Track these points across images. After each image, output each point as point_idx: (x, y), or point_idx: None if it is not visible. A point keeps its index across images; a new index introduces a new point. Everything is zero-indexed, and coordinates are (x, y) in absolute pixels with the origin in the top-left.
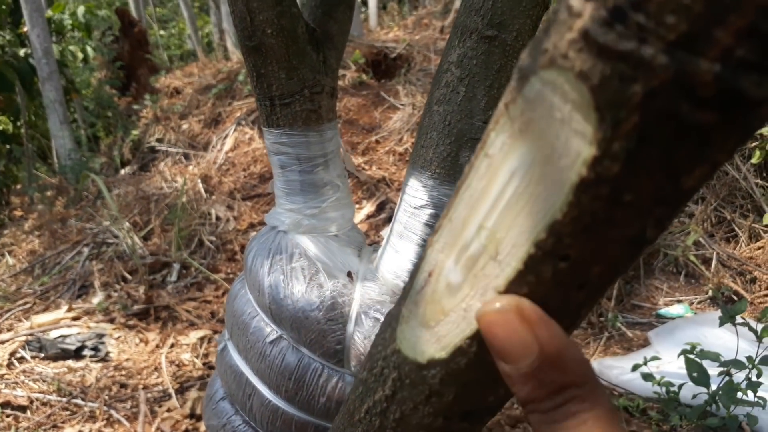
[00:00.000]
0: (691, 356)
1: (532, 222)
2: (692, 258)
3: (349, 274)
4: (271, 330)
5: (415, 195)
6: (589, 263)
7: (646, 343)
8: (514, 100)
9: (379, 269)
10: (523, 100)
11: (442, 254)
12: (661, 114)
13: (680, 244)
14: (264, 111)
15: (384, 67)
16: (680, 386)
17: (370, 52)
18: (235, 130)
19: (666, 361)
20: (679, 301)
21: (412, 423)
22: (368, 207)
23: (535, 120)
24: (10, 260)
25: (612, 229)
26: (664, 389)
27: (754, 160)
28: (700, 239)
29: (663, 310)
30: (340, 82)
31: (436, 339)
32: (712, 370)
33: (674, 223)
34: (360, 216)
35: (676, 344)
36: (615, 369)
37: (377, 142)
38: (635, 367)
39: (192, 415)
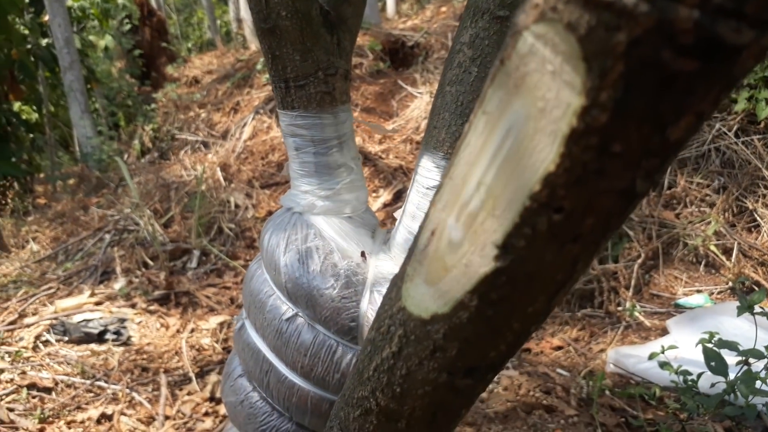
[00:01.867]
0: (709, 345)
1: (528, 175)
2: (713, 248)
3: (362, 254)
4: (287, 308)
5: (428, 175)
6: (582, 215)
7: (664, 333)
8: (509, 56)
9: (392, 249)
10: (517, 55)
11: (443, 213)
12: (645, 62)
13: (701, 233)
14: (279, 93)
15: (401, 55)
16: (699, 375)
17: (388, 41)
18: (253, 118)
19: (684, 350)
20: (698, 291)
21: (418, 378)
22: (385, 195)
23: (529, 74)
24: (35, 247)
25: (603, 180)
26: (681, 378)
27: None
28: (721, 229)
29: (682, 300)
30: (357, 71)
31: (439, 295)
32: (731, 359)
33: (695, 212)
34: (376, 205)
35: (694, 333)
36: (632, 358)
37: (394, 130)
38: (652, 356)
39: (212, 398)
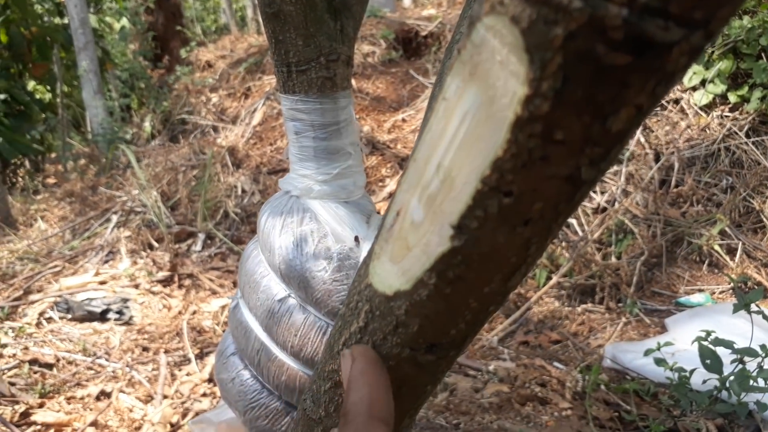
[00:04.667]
0: (705, 343)
1: (480, 160)
2: (716, 247)
3: (356, 239)
4: (280, 289)
5: None
6: (530, 199)
7: (663, 330)
8: (464, 46)
9: None
10: (471, 45)
11: (407, 194)
12: (580, 55)
13: (705, 233)
14: (281, 77)
15: (414, 45)
16: (692, 371)
17: (401, 30)
18: (263, 104)
19: (681, 348)
20: (700, 291)
21: (383, 353)
22: (392, 184)
23: (481, 63)
24: (42, 225)
25: (548, 166)
26: (676, 374)
27: None
28: (726, 229)
29: (683, 299)
30: (369, 59)
31: (401, 272)
32: (726, 358)
33: (701, 211)
34: (383, 193)
35: (692, 332)
36: (629, 353)
37: (404, 120)
38: (648, 352)
39: (210, 380)
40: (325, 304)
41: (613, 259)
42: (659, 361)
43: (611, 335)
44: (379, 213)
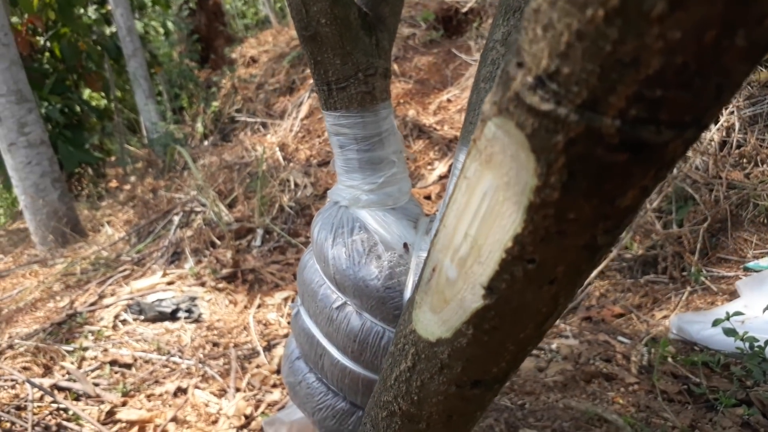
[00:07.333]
0: None
1: (502, 233)
2: None
3: (405, 246)
4: (336, 297)
5: None
6: (553, 265)
7: (731, 297)
8: (479, 137)
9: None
10: (485, 138)
11: (441, 254)
12: (582, 156)
13: None
14: (322, 96)
15: (455, 22)
16: (767, 342)
17: (441, 8)
18: (309, 97)
19: (751, 315)
20: None
21: (431, 389)
22: (441, 167)
23: (495, 154)
24: (109, 230)
25: (565, 238)
26: (747, 344)
27: None
28: None
29: (752, 263)
30: (410, 41)
31: (442, 322)
32: None
33: (765, 171)
34: (432, 177)
35: (764, 296)
36: (696, 324)
37: (449, 100)
38: (716, 323)
39: (279, 371)
40: (380, 312)
41: (675, 228)
42: (729, 332)
43: (676, 306)
44: (426, 215)
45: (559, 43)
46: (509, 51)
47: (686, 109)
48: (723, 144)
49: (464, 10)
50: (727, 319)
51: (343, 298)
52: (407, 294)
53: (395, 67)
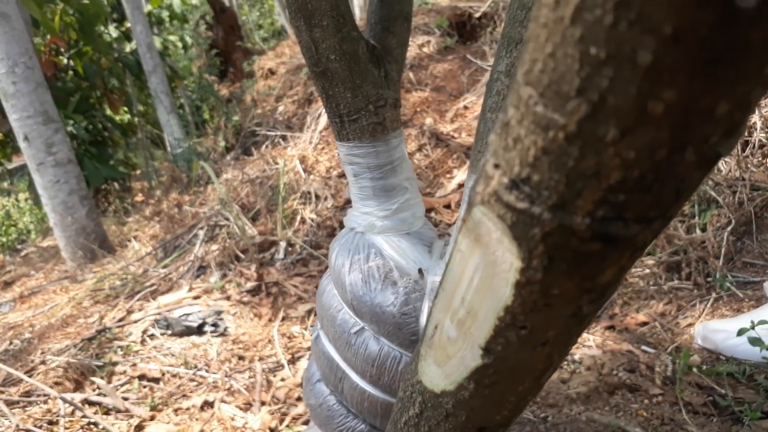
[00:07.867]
0: None
1: (494, 303)
2: None
3: (420, 271)
4: (354, 322)
5: None
6: (544, 330)
7: (758, 303)
8: (467, 219)
9: None
10: (473, 221)
11: (441, 314)
12: (558, 245)
13: None
14: (335, 127)
15: (469, 28)
16: None
17: (454, 14)
18: None
19: None
20: None
21: None
22: (460, 176)
23: (482, 235)
24: (136, 245)
25: (552, 310)
26: None
27: None
28: None
29: None
30: (424, 49)
31: (445, 375)
32: None
33: None
34: (451, 185)
35: None
36: (720, 333)
37: (465, 107)
38: (741, 332)
39: (302, 384)
40: (396, 337)
41: (698, 232)
42: (754, 341)
43: (701, 313)
44: (440, 237)
45: (527, 155)
46: (495, 124)
47: (649, 207)
48: (745, 144)
49: (477, 15)
50: (752, 328)
51: (360, 324)
52: (422, 319)
53: (411, 75)
